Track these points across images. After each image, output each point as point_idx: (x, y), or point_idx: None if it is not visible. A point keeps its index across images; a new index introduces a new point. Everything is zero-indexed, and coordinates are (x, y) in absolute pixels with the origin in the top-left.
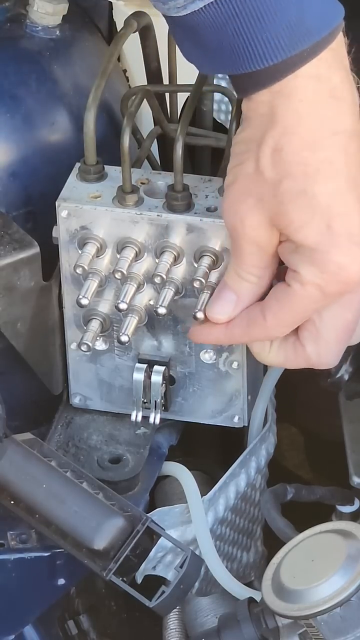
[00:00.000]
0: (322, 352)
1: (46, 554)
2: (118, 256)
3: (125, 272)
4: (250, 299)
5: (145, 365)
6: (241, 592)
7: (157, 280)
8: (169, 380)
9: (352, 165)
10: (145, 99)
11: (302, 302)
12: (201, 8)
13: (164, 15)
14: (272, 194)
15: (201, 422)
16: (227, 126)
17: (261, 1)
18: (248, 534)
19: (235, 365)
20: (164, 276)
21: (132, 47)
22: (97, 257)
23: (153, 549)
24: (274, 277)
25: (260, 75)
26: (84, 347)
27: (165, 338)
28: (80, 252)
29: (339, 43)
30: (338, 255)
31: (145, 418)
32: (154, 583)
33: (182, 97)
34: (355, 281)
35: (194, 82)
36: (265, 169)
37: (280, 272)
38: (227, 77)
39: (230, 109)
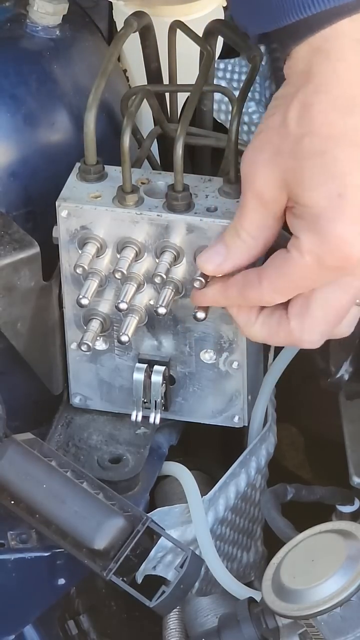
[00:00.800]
0: (305, 329)
1: (46, 554)
2: (118, 256)
3: (125, 272)
4: (240, 258)
5: (145, 365)
6: (241, 592)
7: (157, 280)
8: (169, 380)
9: None
10: (145, 99)
11: (299, 271)
12: None
13: None
14: (291, 148)
15: (201, 422)
16: (227, 126)
17: None
18: (248, 534)
19: (235, 365)
20: (164, 276)
21: (132, 47)
22: (97, 257)
23: (153, 549)
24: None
25: (300, 27)
26: (84, 347)
27: (165, 338)
28: (80, 252)
29: None
30: (342, 227)
31: (145, 418)
32: (154, 583)
33: (182, 97)
34: (355, 260)
35: (194, 82)
36: (290, 122)
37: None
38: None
39: (230, 109)
